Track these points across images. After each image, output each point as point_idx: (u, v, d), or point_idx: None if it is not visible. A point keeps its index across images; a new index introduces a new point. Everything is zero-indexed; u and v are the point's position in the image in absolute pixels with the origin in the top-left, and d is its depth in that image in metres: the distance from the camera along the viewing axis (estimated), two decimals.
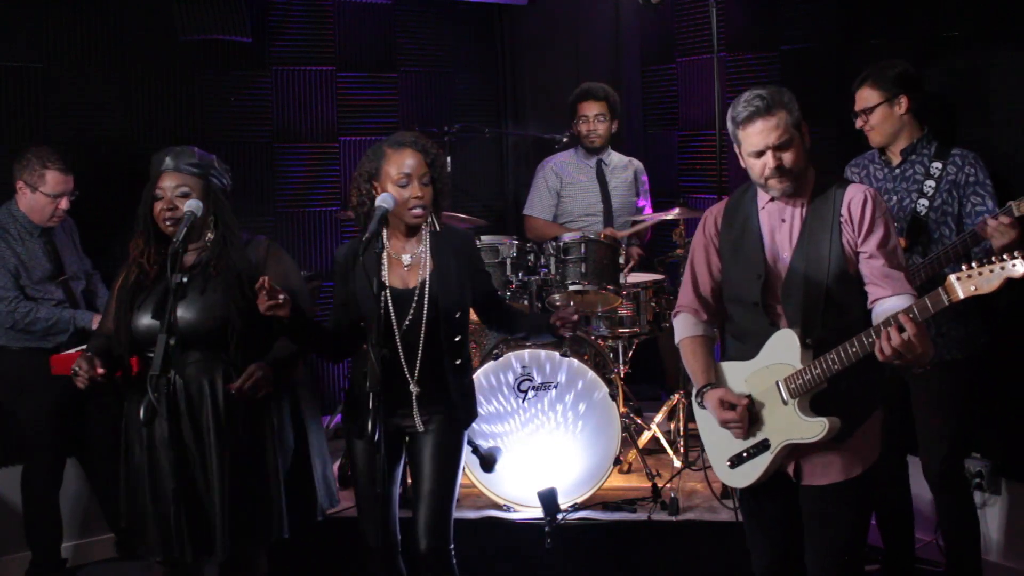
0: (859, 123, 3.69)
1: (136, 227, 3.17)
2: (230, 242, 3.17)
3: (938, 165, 3.59)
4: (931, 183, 3.58)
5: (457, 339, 3.19)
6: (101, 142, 4.76)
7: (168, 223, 3.11)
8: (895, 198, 3.63)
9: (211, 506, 3.06)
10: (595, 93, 5.12)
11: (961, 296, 2.43)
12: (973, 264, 2.43)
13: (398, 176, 3.11)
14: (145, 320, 3.09)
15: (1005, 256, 2.40)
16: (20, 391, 4.12)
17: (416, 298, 3.14)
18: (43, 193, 4.06)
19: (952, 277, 2.44)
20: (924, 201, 3.58)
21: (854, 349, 2.61)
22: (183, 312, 3.05)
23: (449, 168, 4.87)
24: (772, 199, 2.85)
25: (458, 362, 3.20)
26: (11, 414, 4.20)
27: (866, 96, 3.65)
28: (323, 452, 3.42)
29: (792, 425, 2.74)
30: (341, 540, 4.13)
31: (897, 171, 3.68)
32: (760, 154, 2.74)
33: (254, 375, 3.05)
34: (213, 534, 3.06)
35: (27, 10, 4.58)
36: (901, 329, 2.47)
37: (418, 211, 3.13)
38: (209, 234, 3.18)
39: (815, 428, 2.71)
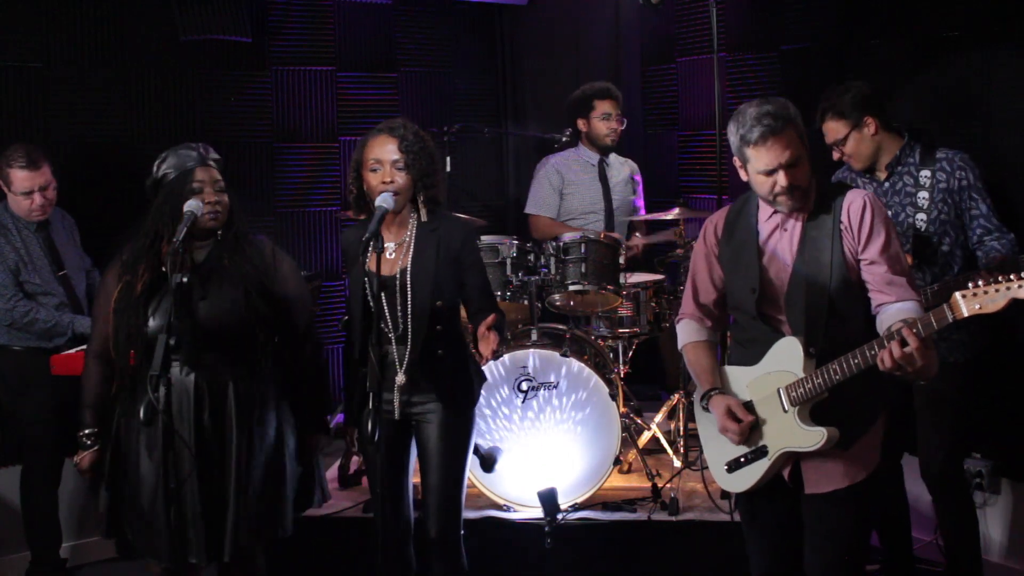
0: (836, 155, 3.66)
1: (157, 228, 3.03)
2: (243, 237, 3.13)
3: (927, 173, 3.54)
4: (924, 194, 3.53)
5: (438, 328, 3.16)
6: (101, 142, 4.76)
7: (212, 216, 3.04)
8: (888, 213, 3.61)
9: (226, 506, 3.02)
10: (612, 92, 5.11)
11: (966, 314, 2.43)
12: (979, 282, 2.42)
13: (371, 162, 3.12)
14: (157, 326, 2.99)
15: (1012, 276, 2.39)
16: (21, 391, 4.13)
17: (394, 286, 3.15)
18: (13, 193, 4.09)
19: (958, 295, 2.44)
20: (922, 216, 3.53)
21: (856, 360, 2.60)
22: (205, 310, 3.00)
23: (449, 168, 4.88)
24: (775, 210, 2.84)
25: (440, 352, 3.18)
26: (12, 414, 4.21)
27: (832, 128, 3.61)
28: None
29: (791, 433, 2.74)
30: (340, 540, 4.13)
31: (887, 185, 3.63)
32: (771, 172, 2.72)
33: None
34: (223, 535, 3.02)
35: (27, 10, 4.58)
36: (904, 343, 2.47)
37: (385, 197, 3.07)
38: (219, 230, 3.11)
39: (813, 437, 2.71)
